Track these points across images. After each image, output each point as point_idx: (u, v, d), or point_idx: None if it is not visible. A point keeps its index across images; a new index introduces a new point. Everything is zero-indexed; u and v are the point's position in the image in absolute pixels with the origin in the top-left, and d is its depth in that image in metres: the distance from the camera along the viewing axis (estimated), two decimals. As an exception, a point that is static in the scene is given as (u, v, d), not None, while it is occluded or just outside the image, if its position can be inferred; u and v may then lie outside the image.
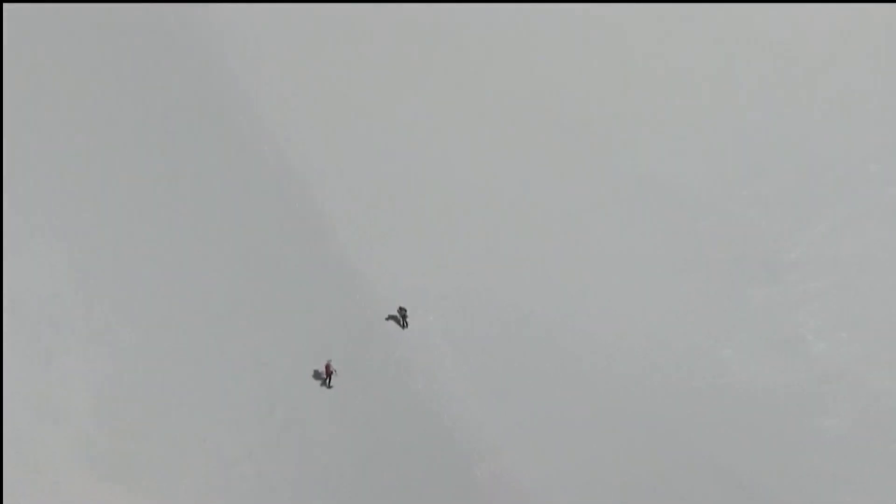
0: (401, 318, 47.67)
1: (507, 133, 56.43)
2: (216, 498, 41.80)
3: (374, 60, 58.63)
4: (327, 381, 45.48)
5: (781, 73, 58.78)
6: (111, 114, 54.90)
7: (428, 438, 44.41)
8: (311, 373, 46.37)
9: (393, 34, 59.55)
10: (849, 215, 52.69)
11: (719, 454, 44.37)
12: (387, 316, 48.13)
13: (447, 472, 43.43)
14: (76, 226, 50.16)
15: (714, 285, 50.48)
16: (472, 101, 57.46)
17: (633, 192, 53.55)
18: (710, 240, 52.21)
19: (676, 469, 43.54)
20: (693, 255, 51.31)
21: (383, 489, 42.90)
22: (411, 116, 56.69)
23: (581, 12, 60.66)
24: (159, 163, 53.60)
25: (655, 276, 50.41)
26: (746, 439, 44.84)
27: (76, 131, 53.71)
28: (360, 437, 44.50)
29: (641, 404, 46.27)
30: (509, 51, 59.57)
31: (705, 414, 45.80)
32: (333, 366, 45.48)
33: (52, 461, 41.06)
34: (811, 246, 51.57)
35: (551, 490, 42.83)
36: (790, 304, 49.60)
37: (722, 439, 44.89)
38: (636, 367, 47.55)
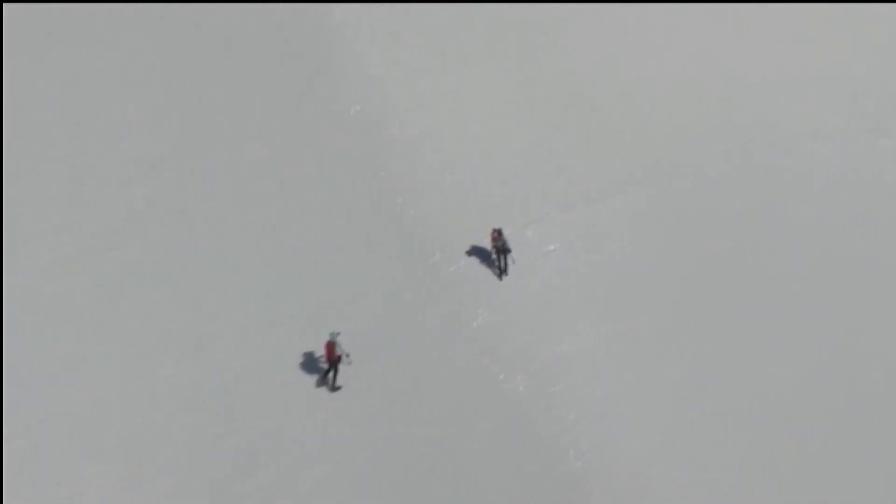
0: (496, 255, 31.10)
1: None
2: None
3: None
4: (330, 376, 27.64)
5: None
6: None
7: (536, 490, 26.24)
8: (299, 359, 28.64)
9: None
10: None
11: None
12: (467, 249, 31.79)
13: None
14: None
15: None
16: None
17: None
18: None
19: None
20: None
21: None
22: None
23: None
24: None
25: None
26: None
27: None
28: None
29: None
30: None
31: None
32: (343, 347, 27.51)
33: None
34: None
35: None
36: None
37: None
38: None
